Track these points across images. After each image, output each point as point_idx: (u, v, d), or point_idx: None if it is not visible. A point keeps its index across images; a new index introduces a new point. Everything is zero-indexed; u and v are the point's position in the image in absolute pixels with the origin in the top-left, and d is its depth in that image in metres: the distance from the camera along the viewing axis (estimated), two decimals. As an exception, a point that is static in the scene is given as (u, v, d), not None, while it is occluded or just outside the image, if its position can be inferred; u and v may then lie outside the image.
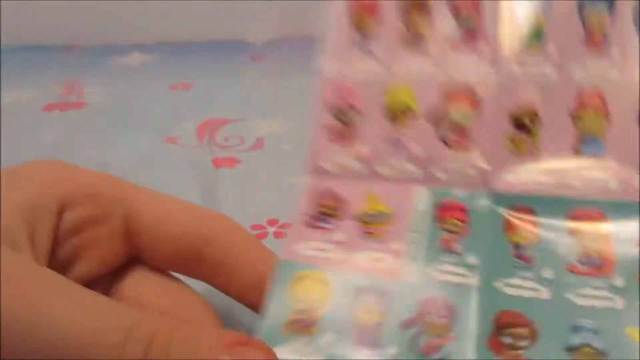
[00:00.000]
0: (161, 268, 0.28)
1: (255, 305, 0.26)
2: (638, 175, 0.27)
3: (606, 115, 0.27)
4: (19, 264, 0.21)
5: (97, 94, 0.55)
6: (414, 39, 0.30)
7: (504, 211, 0.27)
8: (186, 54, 0.62)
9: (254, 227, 0.37)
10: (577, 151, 0.27)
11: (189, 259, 0.27)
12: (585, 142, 0.27)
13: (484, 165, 0.28)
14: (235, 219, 0.38)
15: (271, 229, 0.36)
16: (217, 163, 0.44)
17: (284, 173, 0.33)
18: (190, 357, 0.20)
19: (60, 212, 0.24)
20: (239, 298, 0.27)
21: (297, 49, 0.58)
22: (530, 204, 0.27)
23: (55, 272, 0.22)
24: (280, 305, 0.25)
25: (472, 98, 0.29)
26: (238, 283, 0.27)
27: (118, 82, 0.58)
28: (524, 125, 0.28)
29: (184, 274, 0.28)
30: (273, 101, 0.51)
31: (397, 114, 0.30)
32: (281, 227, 0.35)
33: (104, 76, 0.59)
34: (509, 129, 0.28)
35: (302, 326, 0.24)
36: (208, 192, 0.40)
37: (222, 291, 0.28)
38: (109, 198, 0.26)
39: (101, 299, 0.21)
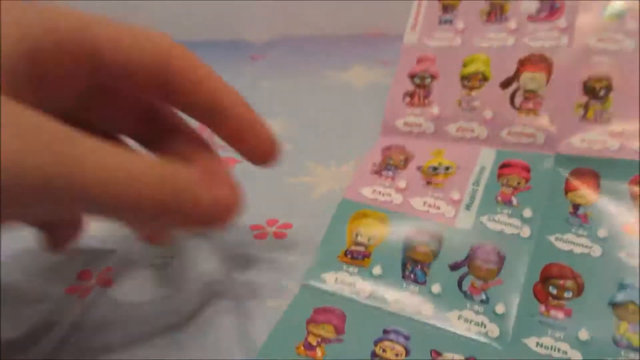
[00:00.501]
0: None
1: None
2: None
3: None
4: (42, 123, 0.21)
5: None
6: (494, 12, 0.32)
7: (566, 172, 0.28)
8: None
9: (253, 227, 0.36)
10: None
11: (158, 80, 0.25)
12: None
13: (551, 129, 0.29)
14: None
15: (270, 229, 0.37)
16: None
17: (283, 173, 0.34)
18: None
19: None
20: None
21: (297, 48, 0.57)
22: (593, 166, 0.27)
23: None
24: (338, 237, 0.27)
25: (547, 66, 0.29)
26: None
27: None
28: (596, 93, 0.28)
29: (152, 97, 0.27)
30: (273, 101, 0.49)
31: (472, 81, 0.31)
32: (280, 227, 0.35)
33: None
34: (580, 96, 0.29)
35: (357, 257, 0.26)
36: None
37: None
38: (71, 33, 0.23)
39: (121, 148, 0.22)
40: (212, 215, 0.24)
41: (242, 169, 0.38)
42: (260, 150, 0.27)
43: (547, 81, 0.29)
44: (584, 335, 0.23)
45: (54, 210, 0.22)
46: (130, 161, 0.21)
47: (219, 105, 0.26)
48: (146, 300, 0.33)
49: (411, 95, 0.32)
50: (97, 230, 0.33)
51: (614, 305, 0.24)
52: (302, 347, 0.24)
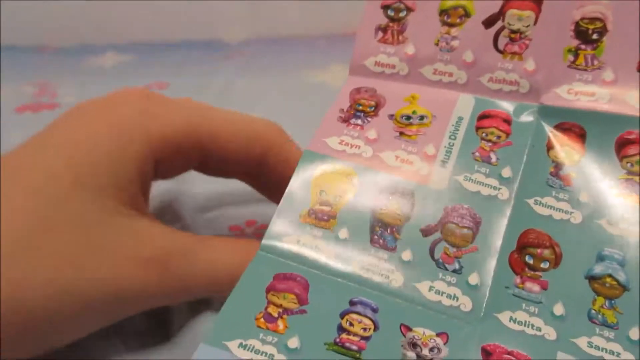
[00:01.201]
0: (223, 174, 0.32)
1: None
2: None
3: None
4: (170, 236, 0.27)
5: (70, 95, 0.52)
6: None
7: (550, 126, 0.26)
8: (161, 53, 0.59)
9: (232, 228, 0.36)
10: None
11: (253, 164, 0.31)
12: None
13: (537, 76, 0.26)
14: (213, 219, 0.38)
15: (249, 230, 0.36)
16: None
17: None
18: None
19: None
20: None
21: (274, 48, 0.58)
22: (579, 120, 0.25)
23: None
24: (300, 194, 0.25)
25: (536, 4, 0.26)
26: None
27: (92, 83, 0.55)
28: (588, 37, 0.26)
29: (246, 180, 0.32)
30: (250, 101, 0.49)
31: (452, 17, 0.27)
32: (259, 228, 0.35)
33: (78, 76, 0.56)
34: (570, 39, 0.26)
35: (321, 218, 0.24)
36: (184, 194, 0.40)
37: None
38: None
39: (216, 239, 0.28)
40: None
41: None
42: None
43: (536, 21, 0.26)
44: (559, 310, 0.22)
45: None
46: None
47: None
48: None
49: (384, 30, 0.28)
50: None
51: (590, 278, 0.23)
52: (261, 319, 0.22)
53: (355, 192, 0.25)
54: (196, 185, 0.40)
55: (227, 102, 0.47)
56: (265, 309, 0.23)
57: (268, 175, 0.31)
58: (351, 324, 0.22)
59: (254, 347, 0.22)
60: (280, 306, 0.23)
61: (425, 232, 0.24)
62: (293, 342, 0.22)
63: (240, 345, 0.22)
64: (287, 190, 0.25)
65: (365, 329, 0.22)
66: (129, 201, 0.26)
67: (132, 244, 0.25)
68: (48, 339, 0.24)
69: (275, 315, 0.22)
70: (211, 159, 0.30)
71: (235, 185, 0.40)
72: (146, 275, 0.25)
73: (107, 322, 0.26)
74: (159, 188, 0.40)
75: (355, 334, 0.22)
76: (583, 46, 0.26)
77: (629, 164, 0.24)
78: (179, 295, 0.27)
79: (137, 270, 0.25)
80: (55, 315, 0.23)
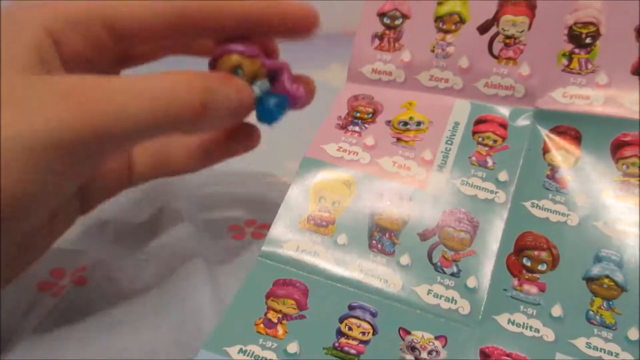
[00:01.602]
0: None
1: None
2: None
3: None
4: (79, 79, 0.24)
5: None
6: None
7: (546, 130, 0.26)
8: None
9: (232, 227, 0.36)
10: (638, 70, 0.25)
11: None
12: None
13: (532, 80, 0.26)
14: (212, 219, 0.37)
15: (249, 230, 0.36)
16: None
17: (261, 173, 0.32)
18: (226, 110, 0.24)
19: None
20: None
21: None
22: (575, 123, 0.25)
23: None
24: (299, 200, 0.25)
25: (529, 9, 0.27)
26: None
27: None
28: (581, 41, 0.26)
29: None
30: None
31: (447, 23, 0.28)
32: (258, 227, 0.34)
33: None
34: (564, 44, 0.26)
35: (320, 224, 0.25)
36: (183, 194, 0.39)
37: None
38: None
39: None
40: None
41: (220, 170, 0.37)
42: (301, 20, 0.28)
43: (530, 26, 0.27)
44: (557, 311, 0.22)
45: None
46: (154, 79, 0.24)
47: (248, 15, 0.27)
48: (121, 301, 0.32)
49: (380, 37, 0.29)
50: (69, 232, 0.32)
51: (588, 279, 0.23)
52: (261, 324, 0.22)
53: (353, 198, 0.25)
54: (195, 185, 0.40)
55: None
56: (265, 314, 0.23)
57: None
58: (350, 329, 0.22)
59: (253, 352, 0.22)
60: (279, 312, 0.23)
61: (423, 237, 0.24)
62: (292, 347, 0.22)
63: (240, 350, 0.22)
64: (286, 197, 0.25)
65: (364, 333, 0.22)
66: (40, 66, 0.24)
67: (46, 85, 0.23)
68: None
69: (275, 320, 0.23)
70: (128, 40, 0.27)
71: (235, 185, 0.39)
72: (67, 107, 0.22)
73: (59, 181, 0.24)
74: (158, 188, 0.40)
75: (354, 338, 0.22)
76: (577, 50, 0.26)
77: (624, 166, 0.24)
78: (108, 128, 0.23)
79: (56, 104, 0.22)
80: None
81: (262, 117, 0.26)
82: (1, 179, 0.22)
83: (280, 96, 0.26)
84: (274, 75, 0.26)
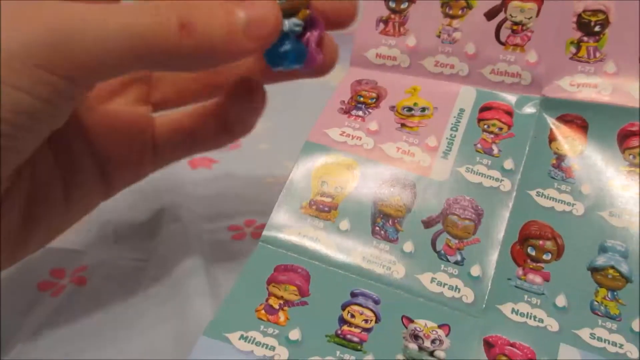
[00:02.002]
0: None
1: None
2: None
3: None
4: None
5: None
6: None
7: (552, 119, 0.26)
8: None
9: (231, 227, 0.36)
10: None
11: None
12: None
13: (539, 68, 0.26)
14: (212, 219, 0.37)
15: (249, 230, 0.35)
16: (193, 163, 0.42)
17: (261, 173, 0.32)
18: (213, 30, 0.23)
19: None
20: None
21: None
22: (582, 112, 0.25)
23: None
24: (301, 185, 0.25)
25: None
26: None
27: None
28: (590, 29, 0.26)
29: None
30: None
31: (454, 8, 0.27)
32: (258, 227, 0.34)
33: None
34: (572, 32, 0.26)
35: (322, 209, 0.24)
36: (183, 194, 0.39)
37: None
38: None
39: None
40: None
41: (219, 169, 0.36)
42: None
43: (538, 13, 0.26)
44: (561, 301, 0.22)
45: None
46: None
47: None
48: (121, 300, 0.32)
49: (385, 22, 0.28)
50: (68, 232, 0.31)
51: (593, 270, 0.23)
52: (262, 310, 0.22)
53: (356, 184, 0.25)
54: (195, 185, 0.40)
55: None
56: (266, 300, 0.22)
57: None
58: (352, 316, 0.22)
59: (254, 339, 0.21)
60: (281, 298, 0.22)
61: (427, 224, 0.24)
62: (294, 334, 0.22)
63: (242, 337, 0.21)
64: (287, 182, 0.25)
65: (366, 321, 0.22)
66: None
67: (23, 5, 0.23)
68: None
69: (276, 307, 0.22)
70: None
71: (235, 185, 0.39)
72: (30, 23, 0.22)
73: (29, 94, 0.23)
74: (157, 187, 0.39)
75: (356, 326, 0.22)
76: (585, 38, 0.26)
77: (631, 156, 0.24)
78: (79, 38, 0.22)
79: (24, 20, 0.22)
80: None
81: (270, 55, 0.26)
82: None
83: (302, 47, 0.26)
84: (306, 26, 0.26)
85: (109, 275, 0.33)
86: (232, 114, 0.31)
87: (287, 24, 0.26)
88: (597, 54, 0.25)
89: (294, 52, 0.26)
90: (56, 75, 0.22)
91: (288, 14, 0.26)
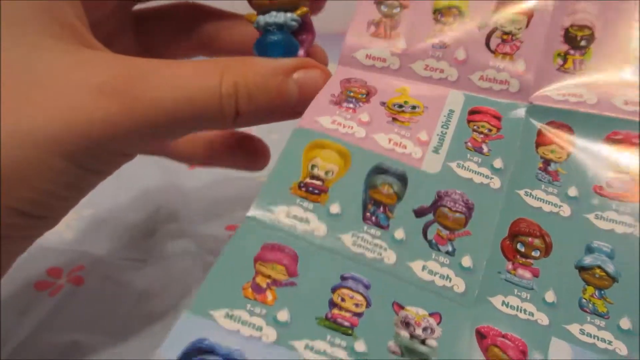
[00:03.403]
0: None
1: None
2: None
3: None
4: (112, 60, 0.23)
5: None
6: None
7: (539, 125, 0.26)
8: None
9: (229, 227, 0.36)
10: (629, 73, 0.26)
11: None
12: (639, 65, 0.26)
13: (527, 76, 0.27)
14: (210, 219, 0.38)
15: None
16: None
17: (259, 173, 0.33)
18: (266, 96, 0.25)
19: None
20: None
21: None
22: (567, 120, 0.26)
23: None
24: (291, 167, 0.24)
25: (527, 7, 0.27)
26: None
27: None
28: (576, 43, 0.27)
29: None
30: None
31: (446, 16, 0.28)
32: None
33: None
34: (560, 44, 0.27)
35: (313, 191, 0.23)
36: (180, 193, 0.39)
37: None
38: None
39: (185, 68, 0.24)
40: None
41: (217, 169, 0.36)
42: None
43: (527, 24, 0.27)
44: (550, 297, 0.22)
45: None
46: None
47: None
48: (118, 300, 0.32)
49: (376, 24, 0.28)
50: (66, 232, 0.32)
51: (580, 268, 0.23)
52: (249, 289, 0.21)
53: (348, 169, 0.24)
54: (193, 185, 0.39)
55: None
56: (253, 279, 0.21)
57: None
58: (343, 299, 0.21)
59: (240, 317, 0.20)
60: (269, 277, 0.21)
61: (418, 213, 0.23)
62: (283, 315, 0.20)
63: (227, 315, 0.20)
64: (277, 162, 0.24)
65: (357, 305, 0.21)
66: (66, 33, 0.23)
67: (80, 71, 0.22)
68: (24, 195, 0.22)
69: (264, 285, 0.21)
70: None
71: (233, 185, 0.38)
72: (104, 103, 0.22)
73: (89, 170, 0.23)
74: (156, 187, 0.38)
75: (347, 310, 0.21)
76: (572, 51, 0.27)
77: (615, 163, 0.25)
78: (146, 125, 0.23)
79: (92, 98, 0.22)
80: (18, 164, 0.21)
81: (262, 41, 0.26)
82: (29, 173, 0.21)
83: (295, 42, 0.26)
84: (302, 26, 0.27)
85: (106, 274, 0.33)
86: (225, 158, 0.32)
87: (284, 17, 0.26)
88: (583, 67, 0.26)
89: (285, 44, 0.26)
90: (117, 154, 0.24)
91: (286, 8, 0.26)
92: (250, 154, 0.32)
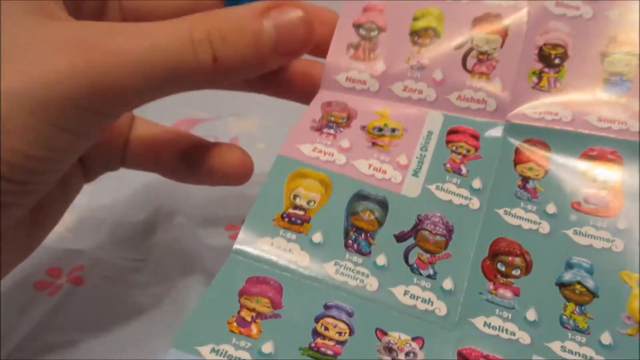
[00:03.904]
0: None
1: None
2: None
3: (638, 55, 0.26)
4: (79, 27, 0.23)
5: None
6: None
7: (516, 143, 0.27)
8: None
9: (228, 227, 0.36)
10: (602, 90, 0.26)
11: None
12: (612, 82, 0.26)
13: (503, 95, 0.27)
14: (209, 219, 0.38)
15: None
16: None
17: (258, 173, 0.33)
18: (241, 39, 0.24)
19: None
20: None
21: None
22: (544, 137, 0.26)
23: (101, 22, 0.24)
24: (273, 198, 0.24)
25: (502, 28, 0.28)
26: None
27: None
28: (550, 61, 0.27)
29: None
30: (247, 100, 0.50)
31: (422, 37, 0.28)
32: None
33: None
34: (534, 63, 0.27)
35: (295, 221, 0.24)
36: (180, 193, 0.40)
37: None
38: None
39: (153, 24, 0.24)
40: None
41: None
42: None
43: (502, 44, 0.28)
44: (532, 315, 0.23)
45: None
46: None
47: None
48: (118, 300, 0.32)
49: (355, 47, 0.29)
50: (65, 231, 0.31)
51: (560, 285, 0.23)
52: (234, 323, 0.21)
53: (329, 197, 0.25)
54: (192, 184, 0.39)
55: (226, 102, 0.46)
56: (238, 312, 0.22)
57: None
58: (326, 329, 0.22)
59: (227, 352, 0.21)
60: (253, 310, 0.22)
61: (399, 238, 0.24)
62: (267, 347, 0.21)
63: (213, 350, 0.21)
64: (259, 194, 0.24)
65: (340, 333, 0.22)
66: (38, 9, 0.23)
67: (48, 35, 0.22)
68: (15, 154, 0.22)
69: (249, 319, 0.22)
70: None
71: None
72: (69, 58, 0.22)
73: (63, 129, 0.23)
74: (154, 186, 0.39)
75: (330, 339, 0.21)
76: (546, 69, 0.27)
77: (591, 179, 0.25)
78: (112, 76, 0.23)
79: (57, 54, 0.22)
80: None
81: None
82: (7, 136, 0.21)
83: None
84: None
85: (105, 274, 0.33)
86: (206, 176, 0.31)
87: None
88: (557, 84, 0.27)
89: None
90: (92, 113, 0.23)
91: None
92: (231, 169, 0.31)
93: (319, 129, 0.27)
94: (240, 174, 0.31)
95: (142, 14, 0.30)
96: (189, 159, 0.31)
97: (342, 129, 0.27)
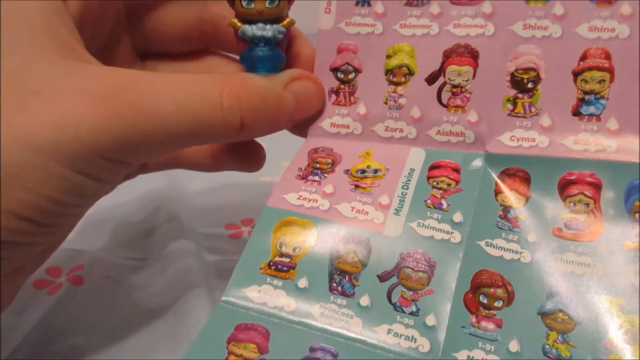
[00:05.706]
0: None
1: None
2: (638, 136, 0.26)
3: (611, 73, 0.26)
4: (102, 73, 0.24)
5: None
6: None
7: (496, 173, 0.27)
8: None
9: (228, 226, 0.37)
10: (577, 111, 0.26)
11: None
12: (586, 102, 0.26)
13: (480, 126, 0.28)
14: (209, 218, 0.38)
15: (246, 229, 0.36)
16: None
17: (258, 173, 0.34)
18: (267, 108, 0.26)
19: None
20: None
21: None
22: (523, 165, 0.27)
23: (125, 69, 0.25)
24: (261, 248, 0.26)
25: (473, 59, 0.28)
26: None
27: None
28: (523, 86, 0.27)
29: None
30: None
31: (397, 76, 0.29)
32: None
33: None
34: (508, 90, 0.28)
35: (281, 269, 0.25)
36: (180, 193, 0.40)
37: None
38: None
39: (182, 79, 0.25)
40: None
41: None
42: None
43: (474, 75, 0.28)
44: (514, 346, 0.23)
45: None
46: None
47: None
48: (118, 299, 0.32)
49: (336, 92, 0.30)
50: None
51: (543, 314, 0.23)
52: None
53: (313, 243, 0.26)
54: (192, 184, 0.40)
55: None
56: (226, 359, 0.23)
57: None
58: None
59: None
60: (240, 356, 0.23)
61: (382, 278, 0.25)
62: None
63: None
64: (247, 244, 0.26)
65: None
66: (61, 48, 0.24)
67: (73, 80, 0.23)
68: (21, 198, 0.22)
69: (236, 366, 0.23)
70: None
71: (232, 184, 0.39)
72: (96, 109, 0.22)
73: (87, 176, 0.24)
74: (156, 187, 0.39)
75: None
76: (520, 95, 0.27)
77: (572, 204, 0.25)
78: (137, 132, 0.23)
79: (84, 104, 0.22)
80: (14, 166, 0.22)
81: (248, 57, 0.27)
82: (38, 184, 0.22)
83: (283, 56, 0.27)
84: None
85: (105, 274, 0.33)
86: (228, 162, 0.33)
87: (272, 31, 0.26)
88: (533, 109, 0.27)
89: (274, 59, 0.27)
90: (116, 163, 0.24)
91: (272, 19, 0.26)
92: (249, 157, 0.33)
93: (304, 177, 0.28)
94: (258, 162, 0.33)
95: (150, 30, 0.31)
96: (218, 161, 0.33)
97: (326, 175, 0.28)
